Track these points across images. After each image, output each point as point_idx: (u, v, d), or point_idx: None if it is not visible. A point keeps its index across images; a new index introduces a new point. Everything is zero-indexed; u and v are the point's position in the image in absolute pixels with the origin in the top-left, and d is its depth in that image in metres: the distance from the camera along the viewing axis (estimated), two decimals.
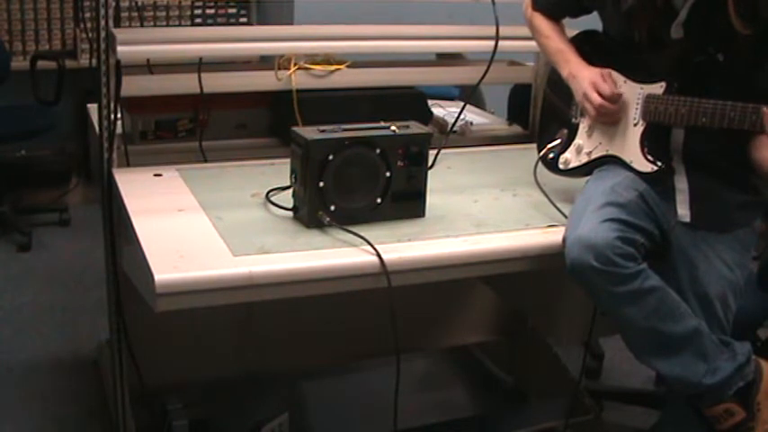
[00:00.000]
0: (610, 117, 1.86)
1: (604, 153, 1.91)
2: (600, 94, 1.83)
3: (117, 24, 2.32)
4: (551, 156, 2.02)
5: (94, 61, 2.09)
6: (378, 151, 1.79)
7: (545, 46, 2.02)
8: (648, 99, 1.81)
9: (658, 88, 1.79)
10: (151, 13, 4.16)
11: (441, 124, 2.64)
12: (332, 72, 2.36)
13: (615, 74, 1.87)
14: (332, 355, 2.63)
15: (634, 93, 1.84)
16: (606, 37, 1.96)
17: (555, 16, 2.03)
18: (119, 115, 2.07)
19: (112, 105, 2.04)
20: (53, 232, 3.92)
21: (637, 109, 1.83)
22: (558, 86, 2.02)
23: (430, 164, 1.91)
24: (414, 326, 2.30)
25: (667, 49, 1.78)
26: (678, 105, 1.74)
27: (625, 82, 1.86)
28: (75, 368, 2.78)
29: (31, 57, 3.84)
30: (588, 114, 1.89)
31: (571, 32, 2.04)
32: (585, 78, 1.86)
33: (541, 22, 2.03)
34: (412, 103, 2.54)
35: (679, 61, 1.77)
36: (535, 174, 2.00)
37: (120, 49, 1.99)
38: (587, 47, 1.96)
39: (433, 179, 1.90)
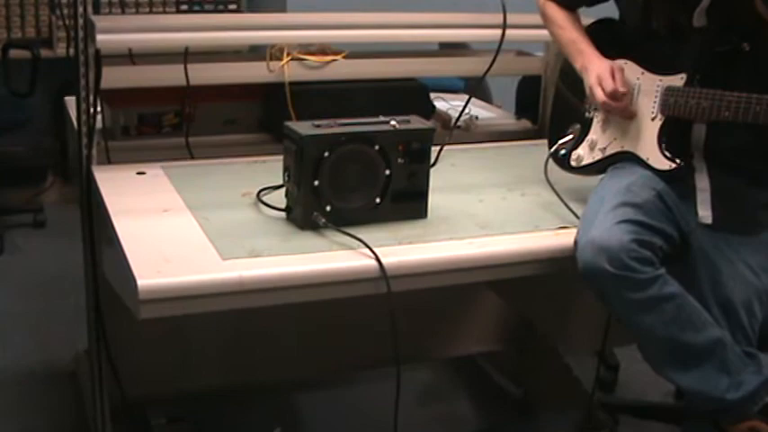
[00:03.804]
0: (618, 113, 1.86)
1: (619, 149, 1.91)
2: (603, 90, 1.84)
3: (96, 11, 2.32)
4: (562, 152, 2.03)
5: (72, 50, 2.09)
6: (376, 148, 1.79)
7: (558, 36, 2.03)
8: (667, 92, 1.81)
9: (678, 80, 1.80)
10: None
11: (444, 119, 2.65)
12: (327, 63, 2.36)
13: (632, 65, 1.88)
14: (327, 366, 2.63)
15: (652, 85, 1.84)
16: (623, 26, 1.97)
17: (569, 6, 2.04)
18: (98, 109, 2.07)
19: (92, 98, 2.04)
20: (27, 234, 3.92)
21: (655, 102, 1.84)
22: (570, 78, 2.02)
23: (432, 161, 1.91)
24: (415, 334, 2.30)
25: (688, 37, 1.78)
26: (699, 99, 1.74)
27: (642, 73, 1.86)
28: (51, 381, 2.77)
29: (2, 45, 3.83)
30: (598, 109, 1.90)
31: (586, 21, 2.04)
32: (593, 72, 1.87)
33: (555, 12, 2.03)
34: (413, 96, 2.54)
35: (701, 51, 1.78)
36: (545, 172, 2.00)
37: (99, 37, 1.99)
38: (602, 37, 1.96)
39: (436, 178, 1.90)
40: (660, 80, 1.83)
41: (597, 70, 1.87)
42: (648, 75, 1.85)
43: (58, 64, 3.82)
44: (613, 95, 1.84)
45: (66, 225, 3.72)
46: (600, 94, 1.85)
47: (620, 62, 1.89)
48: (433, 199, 1.89)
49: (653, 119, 1.84)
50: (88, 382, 2.29)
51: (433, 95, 2.65)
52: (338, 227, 1.74)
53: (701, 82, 1.77)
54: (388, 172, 1.81)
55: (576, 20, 2.03)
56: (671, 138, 1.83)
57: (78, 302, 2.41)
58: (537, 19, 2.12)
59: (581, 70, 1.93)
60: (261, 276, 1.59)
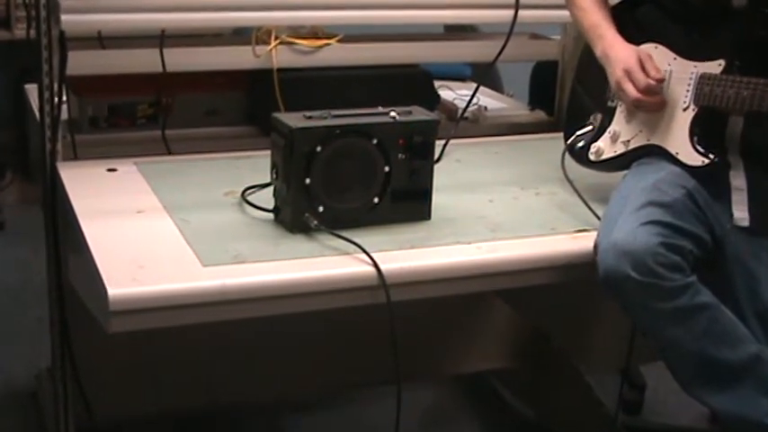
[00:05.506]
0: (650, 108, 1.86)
1: (645, 142, 1.91)
2: (636, 85, 1.83)
3: None
4: (580, 144, 2.03)
5: (33, 32, 2.08)
6: (374, 142, 1.79)
7: (579, 20, 2.03)
8: (702, 79, 1.81)
9: (715, 67, 1.80)
10: None
11: (449, 110, 2.65)
12: (320, 48, 2.37)
13: (663, 50, 1.88)
14: (321, 384, 2.64)
15: (685, 72, 1.84)
16: (654, 5, 1.96)
17: None
18: (64, 98, 2.07)
19: (56, 86, 2.03)
20: None
21: (688, 91, 1.83)
22: (590, 63, 2.02)
23: (436, 157, 1.92)
24: (418, 349, 2.30)
25: (728, 19, 1.78)
26: (739, 88, 1.74)
27: (674, 59, 1.86)
28: (9, 402, 2.77)
29: None
30: (625, 105, 1.90)
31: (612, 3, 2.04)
32: (619, 64, 1.86)
33: None
34: (415, 84, 2.55)
35: (741, 35, 1.78)
36: (563, 168, 2.00)
37: (64, 17, 1.99)
38: (629, 19, 1.96)
39: (441, 175, 1.91)
40: (695, 66, 1.83)
41: (624, 62, 1.86)
42: (681, 60, 1.85)
43: (17, 47, 3.81)
44: (647, 89, 1.83)
45: (27, 228, 3.71)
46: (632, 91, 1.84)
47: (649, 47, 1.89)
48: (438, 199, 1.89)
49: (685, 109, 1.84)
50: (51, 404, 2.29)
51: (437, 84, 2.66)
52: (332, 229, 1.74)
53: (740, 69, 1.77)
54: (387, 169, 1.81)
55: (602, 2, 2.02)
56: (704, 130, 1.83)
57: (41, 315, 2.40)
58: None
59: (601, 57, 1.93)
60: (246, 284, 1.59)
